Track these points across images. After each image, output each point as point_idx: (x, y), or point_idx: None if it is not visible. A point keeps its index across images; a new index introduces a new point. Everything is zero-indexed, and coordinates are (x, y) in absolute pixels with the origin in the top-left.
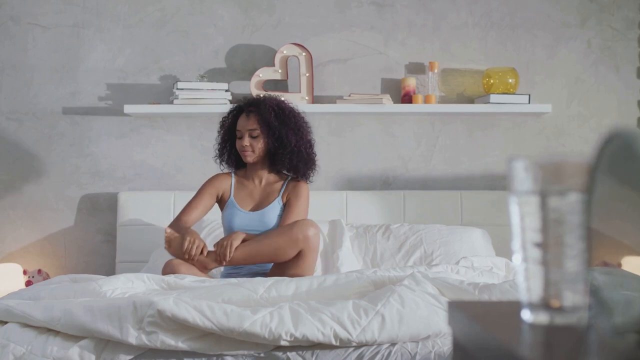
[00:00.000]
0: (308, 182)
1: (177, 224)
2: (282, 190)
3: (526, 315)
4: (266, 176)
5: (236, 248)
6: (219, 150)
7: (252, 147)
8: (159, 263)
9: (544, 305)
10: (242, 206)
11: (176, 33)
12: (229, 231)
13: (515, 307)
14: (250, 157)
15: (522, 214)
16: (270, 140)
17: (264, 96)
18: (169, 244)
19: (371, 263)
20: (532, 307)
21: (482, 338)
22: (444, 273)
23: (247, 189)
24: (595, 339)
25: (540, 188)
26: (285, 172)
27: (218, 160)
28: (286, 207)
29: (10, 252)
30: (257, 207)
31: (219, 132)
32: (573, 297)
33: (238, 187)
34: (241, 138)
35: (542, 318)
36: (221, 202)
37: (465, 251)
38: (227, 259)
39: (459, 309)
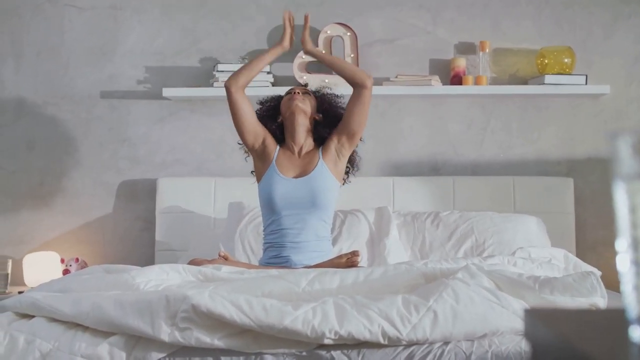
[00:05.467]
0: None
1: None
2: (320, 154)
3: (636, 333)
4: (308, 145)
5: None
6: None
7: (303, 98)
8: (199, 251)
9: None
10: (283, 173)
11: (216, 13)
12: (268, 202)
13: (615, 319)
14: (300, 103)
15: (633, 206)
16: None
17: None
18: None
19: (420, 252)
20: None
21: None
22: (501, 265)
23: (287, 157)
24: None
25: None
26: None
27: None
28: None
29: (48, 240)
30: (301, 174)
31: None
32: None
33: (280, 154)
34: (290, 93)
35: None
36: (262, 155)
37: (520, 241)
38: None
39: (540, 319)
